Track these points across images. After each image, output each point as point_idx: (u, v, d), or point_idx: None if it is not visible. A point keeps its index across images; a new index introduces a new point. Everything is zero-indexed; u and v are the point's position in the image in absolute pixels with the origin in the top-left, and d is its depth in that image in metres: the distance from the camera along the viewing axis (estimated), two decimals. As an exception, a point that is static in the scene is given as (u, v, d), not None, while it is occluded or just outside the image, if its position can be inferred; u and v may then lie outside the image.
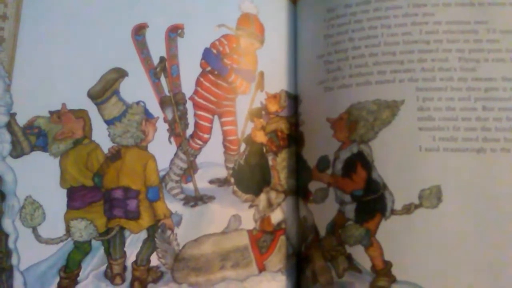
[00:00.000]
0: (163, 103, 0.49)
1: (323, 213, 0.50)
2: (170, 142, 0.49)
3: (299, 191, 0.54)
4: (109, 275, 0.46)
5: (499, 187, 0.43)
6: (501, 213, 0.42)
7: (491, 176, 0.43)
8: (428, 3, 0.47)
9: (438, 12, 0.46)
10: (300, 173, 0.54)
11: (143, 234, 0.47)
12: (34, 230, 0.43)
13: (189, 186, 0.50)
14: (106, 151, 0.47)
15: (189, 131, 0.50)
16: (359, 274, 0.46)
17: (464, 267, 0.42)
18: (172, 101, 0.50)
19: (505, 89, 0.44)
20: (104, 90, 0.46)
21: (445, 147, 0.44)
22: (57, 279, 0.44)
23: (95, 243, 0.46)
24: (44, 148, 0.45)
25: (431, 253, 0.43)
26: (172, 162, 0.49)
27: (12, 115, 0.44)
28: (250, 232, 0.51)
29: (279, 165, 0.54)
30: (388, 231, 0.45)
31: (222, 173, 0.51)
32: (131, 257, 0.47)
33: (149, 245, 0.47)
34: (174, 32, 0.50)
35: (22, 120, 0.44)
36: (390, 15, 0.47)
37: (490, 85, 0.44)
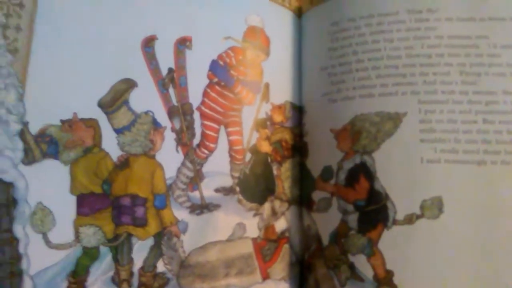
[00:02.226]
0: (171, 113, 0.50)
1: (326, 222, 0.50)
2: (177, 151, 0.50)
3: (302, 200, 0.55)
4: (116, 281, 0.46)
5: (500, 199, 0.43)
6: (502, 225, 0.43)
7: (492, 188, 0.43)
8: (430, 18, 0.47)
9: (440, 26, 0.47)
10: (304, 183, 0.55)
11: (150, 241, 0.48)
12: (44, 235, 0.44)
13: (195, 194, 0.51)
14: (115, 159, 0.47)
15: (196, 140, 0.51)
16: (361, 283, 0.47)
17: (464, 277, 0.43)
18: (180, 111, 0.50)
19: (506, 102, 0.44)
20: (114, 100, 0.47)
21: (446, 159, 0.44)
22: (66, 284, 0.44)
23: (103, 249, 0.46)
24: (55, 156, 0.45)
25: (432, 263, 0.44)
26: (179, 170, 0.50)
27: (25, 124, 0.44)
28: (254, 240, 0.51)
29: (284, 174, 0.54)
30: (390, 240, 0.46)
31: (228, 182, 0.52)
32: (138, 263, 0.47)
33: (156, 251, 0.48)
34: (183, 44, 0.51)
35: (34, 128, 0.44)
36: (393, 29, 0.48)
37: (490, 99, 0.45)
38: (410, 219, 0.45)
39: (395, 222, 0.45)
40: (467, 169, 0.44)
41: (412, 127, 0.46)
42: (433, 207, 0.44)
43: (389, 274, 0.45)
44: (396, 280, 0.45)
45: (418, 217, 0.44)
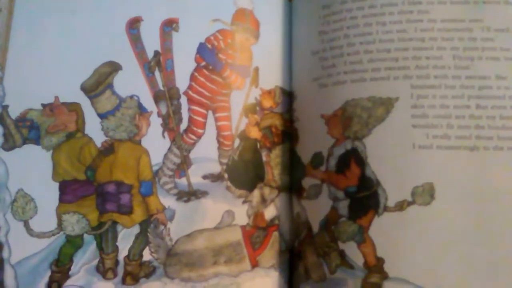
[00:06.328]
0: (157, 97, 0.49)
1: (316, 210, 0.50)
2: (164, 137, 0.49)
3: (292, 187, 0.55)
4: (101, 270, 0.46)
5: (492, 185, 0.43)
6: (494, 211, 0.43)
7: (484, 174, 0.43)
8: (423, 1, 0.47)
9: (433, 10, 0.46)
10: (294, 169, 0.54)
11: (136, 229, 0.48)
12: (26, 223, 0.44)
13: (183, 181, 0.50)
14: (99, 145, 0.47)
15: (183, 126, 0.50)
16: (352, 270, 0.47)
17: (456, 264, 0.43)
18: (166, 95, 0.50)
19: (499, 87, 0.44)
20: (98, 84, 0.46)
21: (438, 145, 0.44)
22: (49, 273, 0.44)
23: (87, 237, 0.46)
24: (37, 141, 0.45)
25: (424, 250, 0.43)
26: (165, 156, 0.49)
27: (5, 108, 0.44)
28: (243, 227, 0.51)
29: (273, 161, 0.54)
30: (381, 227, 0.45)
31: (216, 168, 0.51)
32: (123, 252, 0.47)
33: (142, 239, 0.47)
34: (169, 26, 0.50)
35: (14, 112, 0.44)
36: (385, 12, 0.47)
37: (484, 83, 0.44)
38: (401, 206, 0.44)
39: (386, 208, 0.45)
40: (459, 155, 0.44)
41: (404, 112, 0.45)
42: (424, 194, 0.44)
43: (380, 261, 0.45)
44: (386, 267, 0.44)
45: (410, 203, 0.44)
